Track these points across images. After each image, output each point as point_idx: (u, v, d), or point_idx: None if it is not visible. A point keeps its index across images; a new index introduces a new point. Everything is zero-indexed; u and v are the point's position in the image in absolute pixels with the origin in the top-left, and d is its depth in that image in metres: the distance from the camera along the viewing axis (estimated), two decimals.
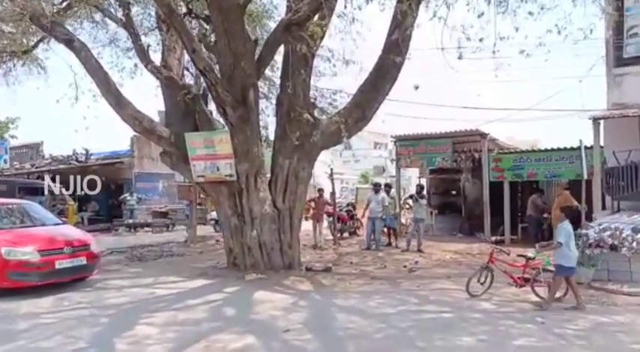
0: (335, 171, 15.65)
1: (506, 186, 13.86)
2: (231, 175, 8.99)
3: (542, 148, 14.29)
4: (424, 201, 12.70)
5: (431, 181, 17.58)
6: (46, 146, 23.58)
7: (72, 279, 7.88)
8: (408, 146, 15.48)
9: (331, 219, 14.29)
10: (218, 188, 9.28)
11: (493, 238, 12.58)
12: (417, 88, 7.63)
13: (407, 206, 16.17)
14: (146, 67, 8.66)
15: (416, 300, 7.01)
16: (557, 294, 6.80)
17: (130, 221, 18.31)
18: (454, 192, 17.37)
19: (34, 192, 16.87)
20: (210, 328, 5.72)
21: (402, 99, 14.92)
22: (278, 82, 10.06)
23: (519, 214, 14.64)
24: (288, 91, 8.53)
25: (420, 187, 13.61)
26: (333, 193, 14.31)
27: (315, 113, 9.71)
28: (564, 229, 6.46)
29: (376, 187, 13.27)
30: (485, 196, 13.86)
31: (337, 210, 14.77)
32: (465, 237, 14.80)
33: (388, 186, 14.23)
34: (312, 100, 10.02)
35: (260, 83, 12.26)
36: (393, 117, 14.82)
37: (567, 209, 6.75)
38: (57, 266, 7.53)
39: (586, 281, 7.65)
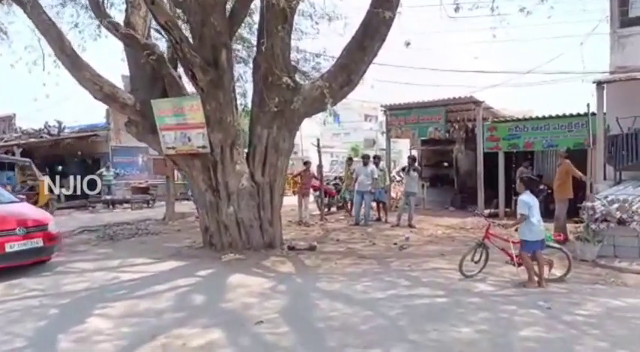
0: (325, 144, 14.85)
1: (501, 157, 13.20)
2: (204, 146, 8.16)
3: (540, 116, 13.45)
4: (416, 174, 11.95)
5: (422, 152, 16.88)
6: (19, 119, 22.35)
7: (27, 263, 7.14)
8: (399, 115, 14.75)
9: (318, 193, 13.60)
10: (190, 161, 8.45)
11: (487, 211, 11.95)
12: (408, 44, 6.78)
13: (397, 178, 15.49)
14: (101, 22, 7.63)
15: (407, 282, 6.35)
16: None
17: (108, 197, 17.43)
18: (446, 164, 16.75)
19: (1, 167, 15.92)
20: (172, 320, 5.01)
21: (393, 64, 14.04)
22: None
23: (513, 186, 14.00)
24: (264, 50, 7.60)
25: (412, 159, 12.81)
26: (320, 166, 13.58)
27: (297, 77, 8.82)
28: (521, 200, 5.92)
29: (365, 159, 12.47)
30: (480, 167, 13.22)
31: (324, 183, 14.05)
32: (458, 210, 14.27)
33: (377, 158, 13.46)
34: (294, 63, 9.10)
35: (237, 46, 11.26)
36: (382, 83, 13.90)
37: (526, 179, 6.27)
38: (7, 249, 6.81)
39: (591, 258, 7.08)
